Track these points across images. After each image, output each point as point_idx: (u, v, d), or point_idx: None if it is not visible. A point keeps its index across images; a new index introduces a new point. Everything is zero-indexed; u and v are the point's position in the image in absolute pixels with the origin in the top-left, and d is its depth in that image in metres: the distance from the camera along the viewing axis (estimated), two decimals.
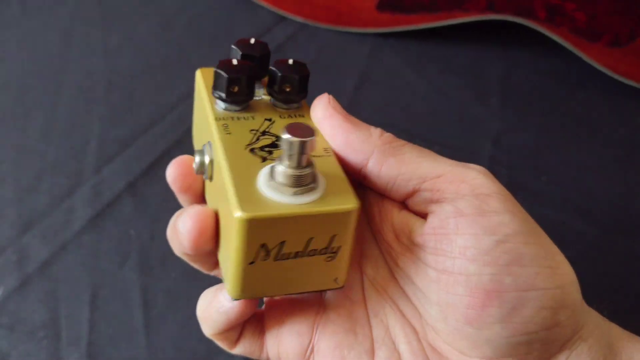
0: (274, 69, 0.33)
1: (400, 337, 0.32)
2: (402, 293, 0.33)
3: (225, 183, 0.29)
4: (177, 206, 0.49)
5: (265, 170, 0.29)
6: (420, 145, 0.44)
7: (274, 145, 0.31)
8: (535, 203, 0.50)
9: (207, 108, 0.33)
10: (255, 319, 0.35)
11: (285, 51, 0.56)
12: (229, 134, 0.31)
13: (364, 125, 0.31)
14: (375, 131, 0.31)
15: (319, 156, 0.30)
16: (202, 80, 0.35)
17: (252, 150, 0.30)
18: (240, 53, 0.34)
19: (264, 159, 0.30)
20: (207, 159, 0.32)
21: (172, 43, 0.56)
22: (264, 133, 0.31)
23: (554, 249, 0.30)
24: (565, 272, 0.29)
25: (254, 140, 0.31)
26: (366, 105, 0.53)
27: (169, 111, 0.53)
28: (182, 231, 0.31)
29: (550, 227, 0.48)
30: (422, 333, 0.32)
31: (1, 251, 0.47)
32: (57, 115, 0.53)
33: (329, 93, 0.50)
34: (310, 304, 0.34)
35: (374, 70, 0.54)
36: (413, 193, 0.31)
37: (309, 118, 0.33)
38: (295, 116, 0.33)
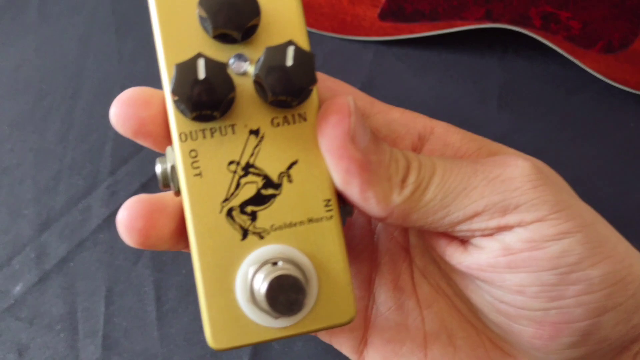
0: (259, 77, 0.24)
1: (458, 332, 0.30)
2: (457, 297, 0.30)
3: (195, 272, 0.24)
4: None
5: (244, 276, 0.24)
6: None
7: (260, 200, 0.24)
8: None
9: (166, 91, 0.25)
10: None
11: None
12: (199, 175, 0.24)
13: (386, 171, 0.26)
14: (397, 181, 0.26)
15: (316, 220, 0.25)
16: (159, 4, 0.25)
17: (229, 213, 0.24)
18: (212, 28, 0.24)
19: (245, 233, 0.24)
20: (169, 165, 0.25)
21: None
22: (246, 170, 0.25)
23: (622, 250, 0.26)
24: (635, 272, 0.26)
25: (232, 189, 0.24)
26: None
27: None
28: (118, 228, 0.27)
29: None
30: (482, 329, 0.30)
31: (21, 248, 0.49)
32: (74, 119, 0.55)
33: None
34: (361, 297, 0.31)
35: (377, 77, 0.56)
36: (447, 231, 0.27)
37: (314, 127, 0.25)
38: (296, 120, 0.25)
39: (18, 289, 0.48)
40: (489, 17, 0.51)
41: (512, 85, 0.55)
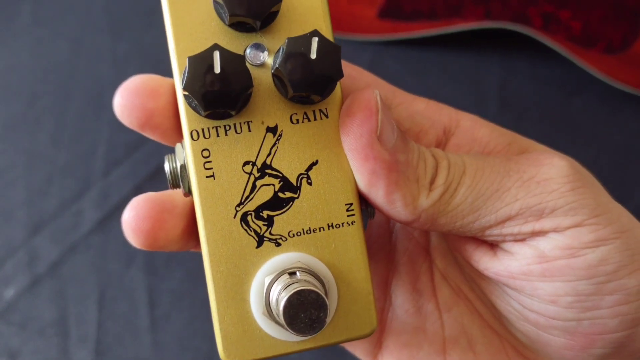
0: (280, 72, 0.22)
1: (479, 338, 0.28)
2: (480, 301, 0.28)
3: (207, 281, 0.23)
4: None
5: (259, 287, 0.22)
6: None
7: (277, 204, 0.22)
8: None
9: (177, 85, 0.23)
10: None
11: None
12: (212, 177, 0.22)
13: (414, 172, 0.24)
14: (425, 183, 0.24)
15: (337, 226, 0.23)
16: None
17: (244, 218, 0.22)
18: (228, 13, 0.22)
19: (260, 240, 0.23)
20: (178, 164, 0.23)
21: None
22: (263, 171, 0.23)
23: None
24: None
25: (247, 192, 0.22)
26: None
27: None
28: (125, 230, 0.25)
29: None
30: (504, 335, 0.28)
31: (13, 252, 0.49)
32: (67, 121, 0.54)
33: None
34: (377, 299, 0.30)
35: None
36: (478, 235, 0.25)
37: (336, 124, 0.23)
38: (316, 116, 0.23)
39: (9, 293, 0.47)
40: (488, 16, 0.50)
41: (511, 86, 0.55)
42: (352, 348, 0.30)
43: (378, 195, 0.23)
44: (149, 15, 0.59)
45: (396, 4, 0.53)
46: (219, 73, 0.20)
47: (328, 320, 0.22)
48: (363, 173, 0.23)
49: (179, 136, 0.25)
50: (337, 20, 0.56)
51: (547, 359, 0.27)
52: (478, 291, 0.28)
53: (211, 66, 0.20)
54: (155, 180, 0.51)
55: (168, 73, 0.56)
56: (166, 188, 0.25)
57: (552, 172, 0.25)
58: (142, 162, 0.52)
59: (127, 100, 0.25)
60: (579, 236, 0.23)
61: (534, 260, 0.24)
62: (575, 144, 0.52)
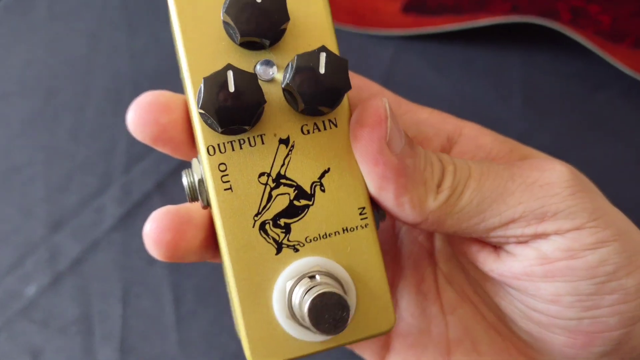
0: (290, 86, 0.23)
1: (483, 339, 0.29)
2: (483, 303, 0.29)
3: (230, 289, 0.24)
4: None
5: (281, 292, 0.23)
6: None
7: (293, 212, 0.24)
8: None
9: (191, 103, 0.24)
10: None
11: None
12: (229, 190, 0.23)
13: (421, 176, 0.25)
14: (433, 185, 0.25)
15: (351, 229, 0.24)
16: (180, 13, 0.25)
17: (262, 226, 0.23)
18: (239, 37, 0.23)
19: (279, 247, 0.24)
20: (196, 178, 0.24)
21: None
22: (277, 182, 0.24)
23: None
24: None
25: (264, 202, 0.23)
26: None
27: None
28: (145, 242, 0.27)
29: None
30: (508, 335, 0.29)
31: (33, 249, 0.48)
32: (86, 116, 0.54)
33: None
34: None
35: (397, 72, 0.55)
36: (481, 237, 0.26)
37: (345, 132, 0.24)
38: (326, 126, 0.24)
39: (31, 290, 0.47)
40: (515, 11, 0.50)
41: (535, 81, 0.54)
42: (361, 351, 0.31)
43: (388, 198, 0.25)
44: (165, 10, 0.59)
45: None
46: (234, 92, 0.21)
47: (350, 319, 0.23)
48: (373, 178, 0.25)
49: (190, 149, 0.26)
50: (359, 15, 0.56)
51: (549, 358, 0.28)
52: (482, 293, 0.29)
53: (225, 85, 0.21)
54: (177, 176, 0.51)
55: None
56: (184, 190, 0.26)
57: (553, 177, 0.26)
58: (164, 158, 0.52)
59: (140, 115, 0.26)
60: (579, 238, 0.25)
61: (536, 262, 0.25)
62: (601, 140, 0.52)
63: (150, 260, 0.48)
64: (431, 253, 0.31)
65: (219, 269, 0.45)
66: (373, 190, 0.25)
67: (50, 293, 0.47)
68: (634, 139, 0.52)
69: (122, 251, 0.48)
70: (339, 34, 0.57)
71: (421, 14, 0.53)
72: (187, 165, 0.28)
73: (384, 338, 0.30)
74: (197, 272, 0.47)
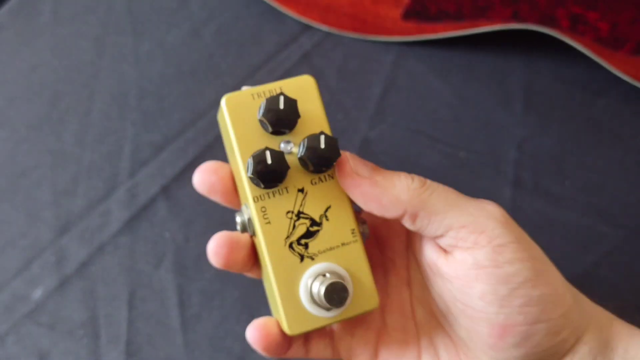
0: (304, 157, 0.35)
1: (442, 347, 0.38)
2: (441, 313, 0.39)
3: (272, 286, 0.35)
4: (210, 209, 0.50)
5: (305, 285, 0.35)
6: (446, 151, 0.49)
7: (309, 234, 0.36)
8: (559, 207, 0.51)
9: (241, 170, 0.35)
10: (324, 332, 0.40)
11: (311, 58, 0.57)
12: (269, 223, 0.35)
13: (391, 182, 0.35)
14: (403, 186, 0.35)
15: (347, 243, 0.36)
16: (231, 115, 0.36)
17: (290, 245, 0.35)
18: (270, 128, 0.35)
19: (302, 257, 0.35)
20: (246, 218, 0.36)
21: (201, 50, 0.57)
22: (299, 216, 0.35)
23: (558, 282, 0.35)
24: (566, 301, 0.35)
25: (290, 230, 0.35)
26: (392, 111, 0.54)
27: (199, 117, 0.54)
28: (210, 251, 0.38)
29: (574, 231, 0.50)
30: (459, 345, 0.38)
31: (40, 252, 0.49)
32: (91, 120, 0.54)
33: (356, 99, 0.52)
34: (373, 319, 0.40)
35: (399, 77, 0.56)
36: (441, 237, 0.35)
37: (338, 181, 0.36)
38: (326, 179, 0.36)
39: (38, 293, 0.47)
40: (515, 18, 0.50)
41: (536, 87, 0.55)
42: (356, 359, 0.39)
43: (374, 207, 0.35)
44: (171, 15, 0.59)
45: (422, 3, 0.53)
46: (270, 164, 0.34)
47: (349, 298, 0.35)
48: (358, 197, 0.35)
49: (233, 199, 0.38)
50: (360, 22, 0.56)
51: (481, 353, 0.36)
52: (441, 307, 0.38)
53: (265, 160, 0.34)
54: (181, 180, 0.52)
55: (187, 71, 0.56)
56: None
57: (495, 208, 0.35)
58: (169, 163, 0.52)
59: (200, 177, 0.38)
60: (503, 253, 0.34)
61: (472, 267, 0.34)
62: (601, 145, 0.53)
63: (156, 264, 0.48)
64: (408, 283, 0.40)
65: (223, 274, 0.46)
66: (362, 206, 0.35)
67: (56, 296, 0.47)
68: (633, 144, 0.53)
69: (128, 255, 0.49)
70: (341, 40, 0.58)
71: (422, 20, 0.54)
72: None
73: (374, 348, 0.39)
74: (202, 275, 0.48)
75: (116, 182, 0.52)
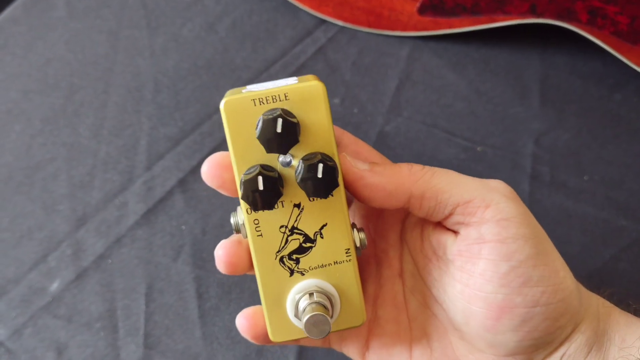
0: (299, 184, 0.33)
1: (435, 339, 0.38)
2: (435, 301, 0.38)
3: (262, 300, 0.35)
4: (226, 202, 0.50)
5: (292, 300, 0.35)
6: (463, 145, 0.50)
7: (302, 250, 0.35)
8: (578, 201, 0.51)
9: (236, 178, 0.34)
10: None
11: (326, 52, 0.57)
12: (260, 236, 0.34)
13: (392, 170, 0.35)
14: (404, 171, 0.35)
15: (340, 262, 0.35)
16: (229, 122, 0.33)
17: (281, 259, 0.35)
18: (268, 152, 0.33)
19: (292, 272, 0.35)
20: (240, 221, 0.35)
21: (216, 44, 0.57)
22: (292, 231, 0.34)
23: (559, 265, 0.35)
24: (567, 286, 0.34)
25: (282, 244, 0.35)
26: (408, 105, 0.54)
27: (215, 111, 0.54)
28: (216, 258, 0.37)
29: (593, 224, 0.50)
30: (453, 335, 0.38)
31: (57, 245, 0.49)
32: (107, 114, 0.54)
33: (372, 93, 0.52)
34: (368, 311, 0.39)
35: (414, 71, 0.55)
36: (449, 216, 0.35)
37: (339, 201, 0.34)
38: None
39: (55, 286, 0.47)
40: (533, 12, 0.50)
41: (553, 81, 0.55)
42: (347, 351, 0.40)
43: (380, 197, 0.34)
44: (185, 9, 0.59)
45: None
46: (262, 190, 0.32)
47: (334, 316, 0.35)
48: (363, 190, 0.34)
49: None
50: (375, 16, 0.56)
51: (476, 338, 0.36)
52: (436, 294, 0.38)
53: (257, 187, 0.32)
54: (198, 173, 0.51)
55: (202, 64, 0.56)
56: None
57: (499, 184, 0.35)
58: (185, 156, 0.52)
59: (210, 170, 0.36)
60: (507, 227, 0.33)
61: (475, 241, 0.34)
62: (619, 139, 0.53)
63: (174, 256, 0.48)
64: (401, 274, 0.39)
65: None
66: (370, 201, 0.35)
67: (74, 289, 0.47)
68: None
69: (146, 247, 0.49)
70: (356, 34, 0.58)
71: (438, 14, 0.54)
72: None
73: (365, 339, 0.39)
74: None
75: (132, 175, 0.51)
